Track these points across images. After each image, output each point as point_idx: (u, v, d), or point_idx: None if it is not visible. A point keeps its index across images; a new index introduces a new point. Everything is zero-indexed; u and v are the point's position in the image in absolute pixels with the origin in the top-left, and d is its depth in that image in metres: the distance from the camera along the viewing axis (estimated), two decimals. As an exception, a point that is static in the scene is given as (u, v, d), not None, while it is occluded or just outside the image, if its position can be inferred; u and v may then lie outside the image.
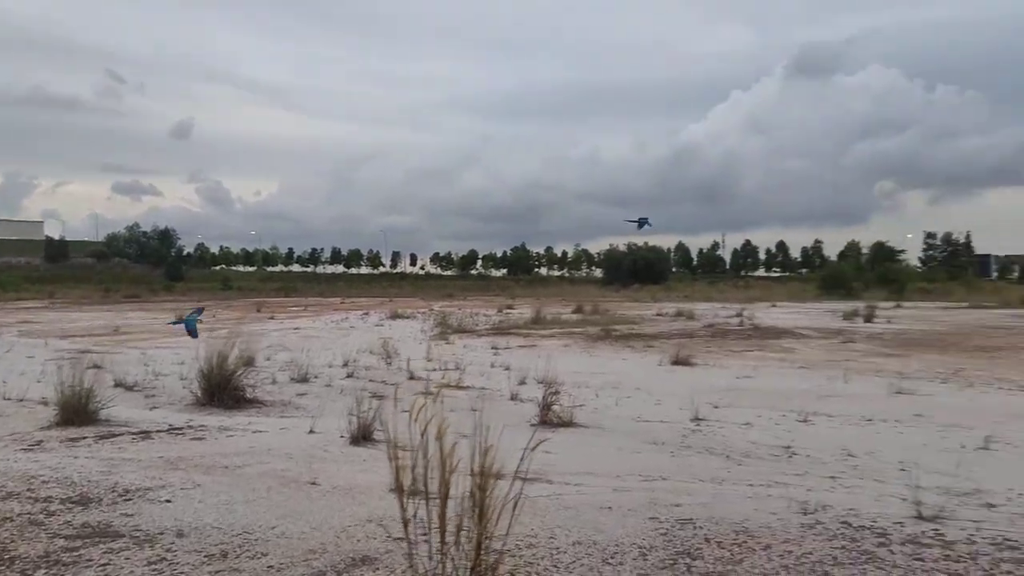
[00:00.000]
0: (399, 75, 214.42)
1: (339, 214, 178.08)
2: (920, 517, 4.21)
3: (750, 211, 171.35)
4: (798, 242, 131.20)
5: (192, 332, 13.14)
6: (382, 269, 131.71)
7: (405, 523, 2.87)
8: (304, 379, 9.80)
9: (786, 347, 15.63)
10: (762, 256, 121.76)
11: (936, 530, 4.03)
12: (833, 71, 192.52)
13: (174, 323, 19.33)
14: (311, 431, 6.54)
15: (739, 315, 25.11)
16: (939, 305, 35.95)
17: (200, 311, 19.89)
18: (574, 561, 3.55)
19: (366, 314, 28.11)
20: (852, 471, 5.50)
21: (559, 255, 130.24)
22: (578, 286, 69.75)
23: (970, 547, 3.78)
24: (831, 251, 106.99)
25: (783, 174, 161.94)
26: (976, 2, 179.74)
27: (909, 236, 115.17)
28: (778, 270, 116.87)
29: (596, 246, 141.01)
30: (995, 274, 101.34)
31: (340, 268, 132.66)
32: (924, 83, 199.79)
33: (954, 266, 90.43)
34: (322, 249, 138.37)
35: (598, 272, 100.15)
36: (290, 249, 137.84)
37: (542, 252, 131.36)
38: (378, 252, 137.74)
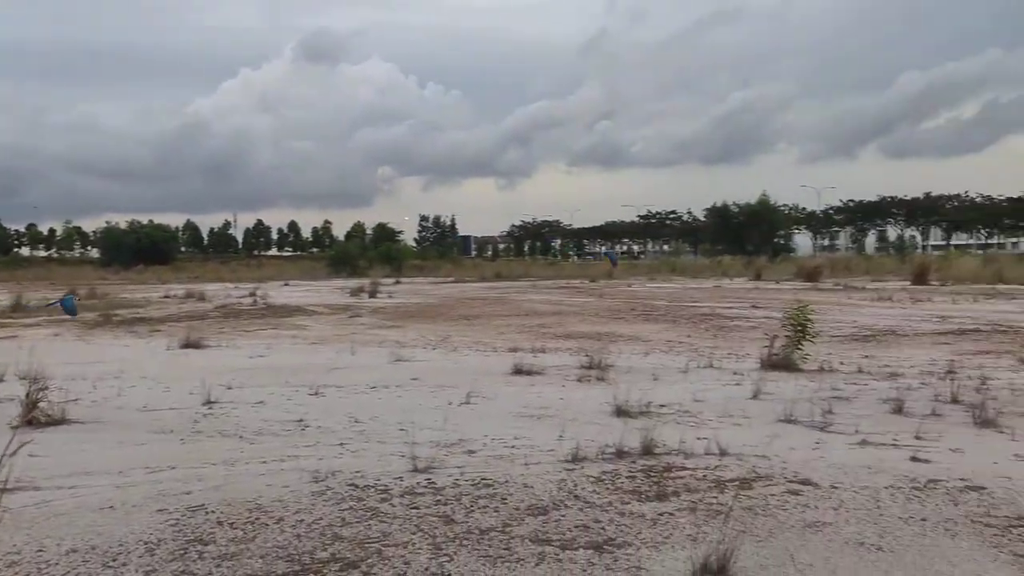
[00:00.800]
0: None
1: None
2: (416, 470, 4.73)
3: (262, 190, 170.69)
4: (309, 222, 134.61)
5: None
6: None
7: None
8: None
9: (299, 324, 15.99)
10: (275, 236, 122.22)
11: (429, 479, 4.57)
12: (339, 59, 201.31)
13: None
14: None
15: (252, 295, 24.91)
16: (431, 280, 40.24)
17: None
18: (68, 572, 3.22)
19: None
20: (359, 436, 5.90)
21: (45, 233, 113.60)
22: (71, 268, 61.58)
23: (455, 490, 4.37)
24: (340, 231, 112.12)
25: (294, 155, 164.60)
26: (461, 13, 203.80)
27: (406, 218, 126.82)
28: (290, 249, 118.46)
29: (92, 223, 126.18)
30: (474, 252, 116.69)
31: None
32: (418, 80, 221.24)
33: (442, 245, 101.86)
34: None
35: (95, 253, 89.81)
36: None
37: (23, 230, 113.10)
38: None
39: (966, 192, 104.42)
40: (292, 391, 7.92)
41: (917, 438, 5.62)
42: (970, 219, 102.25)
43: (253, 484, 4.49)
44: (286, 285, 34.33)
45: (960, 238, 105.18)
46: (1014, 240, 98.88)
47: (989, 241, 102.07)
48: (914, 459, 4.99)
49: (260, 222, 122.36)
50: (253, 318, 17.41)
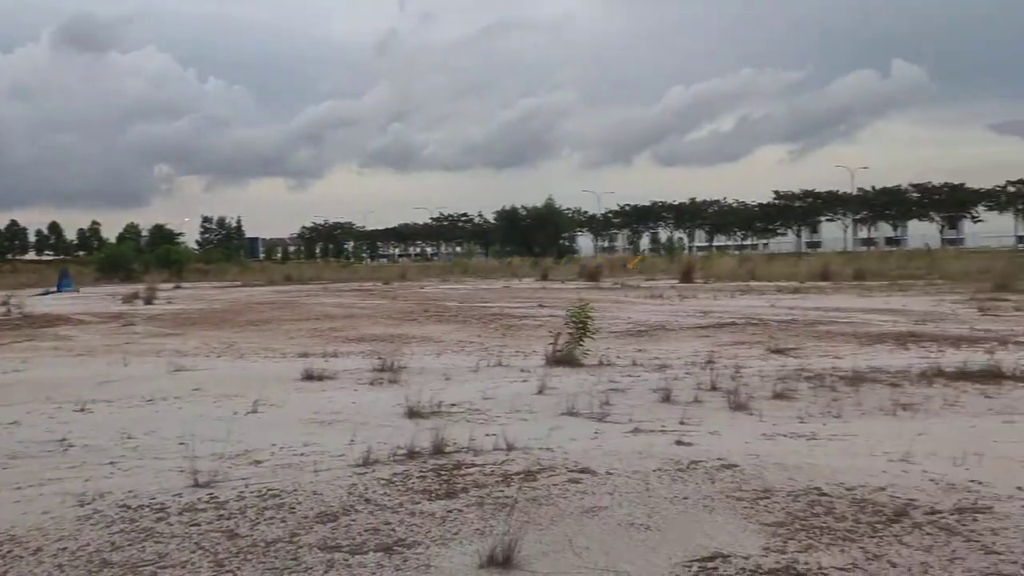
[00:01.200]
0: None
1: None
2: (196, 485, 4.50)
3: (16, 188, 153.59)
4: (74, 223, 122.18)
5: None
6: None
7: None
8: None
9: (62, 335, 14.60)
10: (32, 238, 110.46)
11: (211, 494, 4.37)
12: (107, 47, 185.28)
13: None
14: None
15: (5, 303, 22.35)
16: (215, 285, 38.18)
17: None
18: None
19: None
20: (132, 453, 5.51)
21: None
22: None
23: (240, 502, 4.22)
24: (110, 233, 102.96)
25: (55, 149, 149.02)
26: (243, 5, 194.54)
27: (187, 219, 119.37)
28: (52, 253, 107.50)
29: None
30: (263, 255, 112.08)
31: None
32: (198, 73, 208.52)
33: (228, 248, 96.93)
34: None
35: None
36: None
37: None
38: None
39: (725, 198, 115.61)
40: (54, 408, 7.23)
41: (682, 423, 6.15)
42: (728, 222, 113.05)
43: (5, 513, 4.07)
44: (47, 293, 31.13)
45: (720, 240, 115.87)
46: (764, 241, 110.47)
47: (744, 243, 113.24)
48: (679, 443, 5.46)
49: (14, 223, 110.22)
50: (6, 329, 15.66)
